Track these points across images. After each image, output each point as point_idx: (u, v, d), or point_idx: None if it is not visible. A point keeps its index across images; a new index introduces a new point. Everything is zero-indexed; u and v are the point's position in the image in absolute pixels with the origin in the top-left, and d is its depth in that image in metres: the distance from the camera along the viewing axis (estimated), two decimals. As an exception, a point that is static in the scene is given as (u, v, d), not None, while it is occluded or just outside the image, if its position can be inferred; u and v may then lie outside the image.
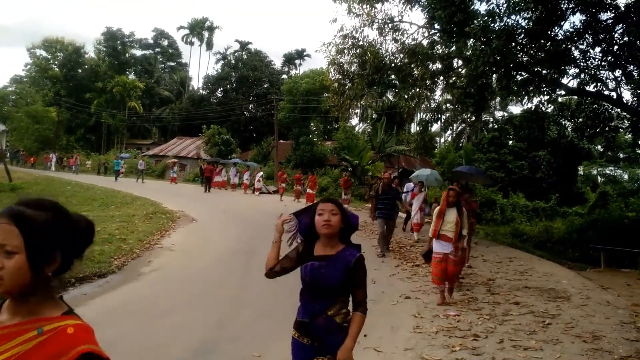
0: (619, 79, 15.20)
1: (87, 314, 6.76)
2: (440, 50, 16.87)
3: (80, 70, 70.67)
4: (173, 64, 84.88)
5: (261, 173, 33.05)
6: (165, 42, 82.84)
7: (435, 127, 51.43)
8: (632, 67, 14.45)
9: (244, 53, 72.97)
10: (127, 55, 74.78)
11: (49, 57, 72.16)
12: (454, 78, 17.80)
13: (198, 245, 12.63)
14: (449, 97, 20.55)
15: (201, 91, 73.28)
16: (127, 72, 74.04)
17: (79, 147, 62.51)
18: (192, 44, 78.99)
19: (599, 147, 32.49)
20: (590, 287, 10.57)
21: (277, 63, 76.69)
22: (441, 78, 18.03)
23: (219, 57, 74.79)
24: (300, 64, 79.03)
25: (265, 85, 67.37)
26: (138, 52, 79.37)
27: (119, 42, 72.71)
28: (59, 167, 48.84)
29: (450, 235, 8.24)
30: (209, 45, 79.32)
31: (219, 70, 72.47)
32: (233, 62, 72.23)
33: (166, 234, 13.58)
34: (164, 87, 76.34)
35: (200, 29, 77.21)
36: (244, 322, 6.83)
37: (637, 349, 6.36)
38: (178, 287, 8.65)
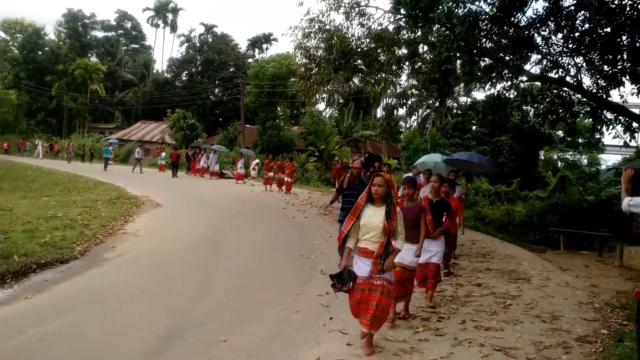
0: (579, 65, 15.50)
1: (49, 300, 6.70)
2: (406, 36, 16.92)
3: (40, 53, 68.67)
4: (136, 46, 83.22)
5: (257, 161, 30.35)
6: (129, 24, 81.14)
7: (401, 112, 51.84)
8: (592, 53, 14.75)
9: (209, 36, 72.09)
10: (88, 37, 73.11)
11: (8, 38, 70.07)
12: (419, 63, 17.87)
13: (164, 231, 12.50)
14: (414, 82, 20.66)
15: (165, 74, 72.26)
16: (89, 55, 72.40)
17: (40, 130, 61.04)
18: (157, 26, 77.61)
19: (560, 132, 33.21)
20: (550, 269, 10.88)
21: (243, 47, 76.02)
22: (407, 63, 18.09)
23: (184, 40, 73.77)
24: (266, 48, 78.53)
25: (231, 69, 66.75)
26: (100, 34, 77.77)
27: (80, 23, 70.94)
28: (52, 155, 45.78)
29: (372, 248, 5.27)
30: (174, 28, 78.10)
31: (184, 54, 71.46)
32: (198, 45, 71.33)
33: (130, 220, 13.38)
34: (127, 70, 74.87)
35: (165, 11, 75.78)
36: (210, 308, 6.81)
37: (594, 329, 6.58)
38: (143, 273, 8.56)
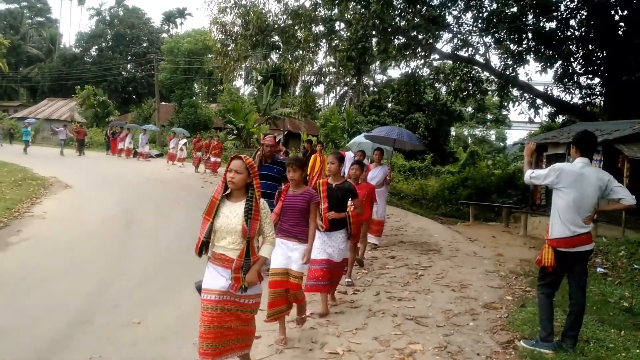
0: (488, 44, 16.14)
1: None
2: (323, 13, 16.95)
3: None
4: (42, 19, 78.24)
5: (184, 140, 27.88)
6: (33, -5, 76.21)
7: (319, 89, 52.02)
8: (500, 33, 15.39)
9: (120, 9, 68.96)
10: (-12, 9, 68.07)
11: None
12: (336, 41, 17.98)
13: (73, 213, 11.99)
14: (331, 60, 20.80)
15: (74, 49, 68.57)
16: (-11, 28, 67.51)
17: None
18: (63, -2, 73.40)
19: (470, 109, 34.52)
20: (460, 240, 11.40)
21: (157, 21, 73.39)
22: (324, 41, 18.14)
23: (93, 14, 70.15)
24: (181, 23, 76.13)
25: (144, 45, 64.39)
26: (2, 7, 72.51)
27: (-22, -6, 65.92)
28: None
29: (232, 255, 3.83)
30: (81, 1, 74.08)
31: (93, 28, 68.08)
32: (108, 18, 68.06)
33: (37, 202, 12.76)
34: (31, 44, 70.40)
35: (71, -18, 71.83)
36: (123, 290, 6.64)
37: (500, 296, 6.97)
38: (51, 257, 8.20)
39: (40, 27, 75.93)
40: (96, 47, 66.37)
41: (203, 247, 3.87)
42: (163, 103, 45.64)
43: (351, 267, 7.18)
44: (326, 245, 5.77)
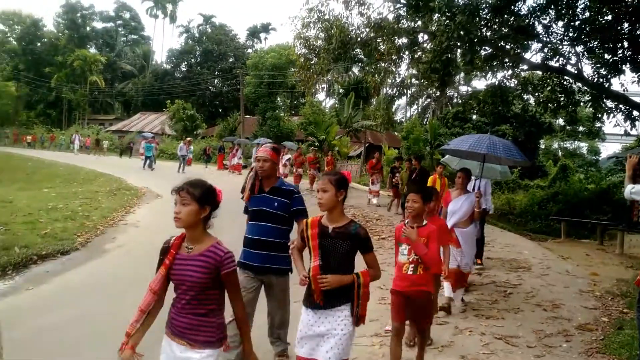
0: (580, 53, 15.45)
1: (50, 291, 6.70)
2: (406, 25, 16.84)
3: (39, 44, 68.63)
4: (135, 37, 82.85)
5: (288, 156, 23.31)
6: (127, 15, 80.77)
7: (401, 102, 51.69)
8: (593, 42, 14.70)
9: (208, 26, 71.79)
10: (87, 28, 72.98)
11: (6, 30, 69.84)
12: (419, 53, 17.80)
13: (164, 221, 12.47)
14: (414, 72, 20.61)
15: (165, 65, 72.03)
16: (88, 46, 72.37)
17: (39, 122, 60.97)
18: (156, 16, 77.32)
19: (561, 120, 33.14)
20: (551, 257, 10.89)
21: (242, 37, 75.70)
22: (407, 53, 18.00)
23: (183, 31, 73.52)
24: (265, 38, 78.19)
25: (231, 60, 66.50)
26: (99, 25, 77.48)
27: (78, 14, 70.80)
28: (94, 150, 41.67)
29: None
30: (172, 19, 77.83)
31: (183, 44, 71.24)
32: (197, 35, 71.07)
33: (131, 211, 13.40)
34: (126, 61, 74.64)
35: (163, 1, 75.48)
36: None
37: (595, 317, 6.59)
38: (143, 263, 8.46)
39: (134, 45, 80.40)
40: (185, 63, 69.28)
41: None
42: (247, 116, 46.91)
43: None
44: (315, 328, 3.51)
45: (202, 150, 35.50)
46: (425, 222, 4.54)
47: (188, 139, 31.41)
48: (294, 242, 4.01)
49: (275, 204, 4.48)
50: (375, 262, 3.60)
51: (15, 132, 54.42)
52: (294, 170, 22.14)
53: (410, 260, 4.40)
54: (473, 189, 7.53)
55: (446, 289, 6.36)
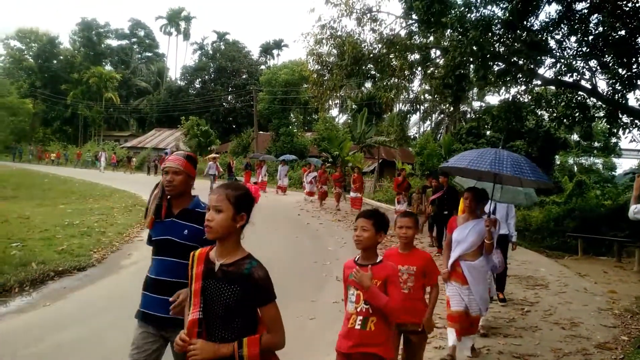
0: (594, 69, 15.39)
1: (67, 308, 6.73)
2: (418, 41, 16.89)
3: (55, 61, 69.77)
4: (150, 54, 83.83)
5: (314, 173, 23.04)
6: (142, 32, 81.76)
7: (414, 118, 51.69)
8: (607, 57, 14.64)
9: (221, 43, 72.43)
10: (102, 45, 74.03)
11: (23, 47, 71.05)
12: (432, 68, 17.84)
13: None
14: (427, 87, 20.61)
15: (179, 82, 72.62)
16: (103, 63, 73.29)
17: (56, 139, 61.72)
18: (170, 34, 78.31)
19: (575, 136, 32.94)
20: (568, 275, 10.77)
21: (255, 53, 76.26)
22: (419, 68, 18.04)
23: (197, 48, 74.31)
24: (278, 55, 78.55)
25: (244, 76, 66.95)
26: (114, 43, 78.57)
27: (94, 32, 71.88)
28: (124, 167, 42.37)
29: None
30: (186, 36, 78.78)
31: (197, 61, 71.93)
32: (211, 52, 71.77)
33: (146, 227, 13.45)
34: (141, 78, 75.53)
35: (177, 19, 76.46)
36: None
37: (614, 335, 6.50)
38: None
39: (149, 62, 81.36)
40: (199, 79, 69.87)
41: None
42: (261, 132, 47.16)
43: None
44: None
45: (226, 165, 31.54)
46: (380, 258, 3.35)
47: (213, 155, 29.08)
48: None
49: (186, 231, 3.27)
50: (277, 321, 2.63)
51: (40, 149, 54.91)
52: (319, 187, 21.56)
53: (358, 310, 3.26)
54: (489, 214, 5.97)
55: (450, 336, 5.32)
